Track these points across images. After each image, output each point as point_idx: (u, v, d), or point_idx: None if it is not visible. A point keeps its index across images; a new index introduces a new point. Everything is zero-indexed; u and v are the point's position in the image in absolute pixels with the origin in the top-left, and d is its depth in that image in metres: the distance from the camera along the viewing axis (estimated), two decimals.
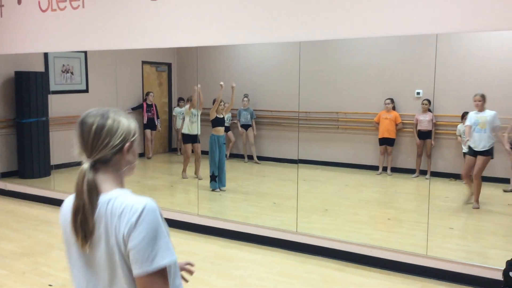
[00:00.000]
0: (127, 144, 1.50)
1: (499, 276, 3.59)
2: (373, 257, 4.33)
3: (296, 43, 4.92)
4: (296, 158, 7.89)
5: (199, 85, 6.86)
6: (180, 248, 4.76)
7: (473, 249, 4.74)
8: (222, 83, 6.79)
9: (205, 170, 6.89)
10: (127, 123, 1.53)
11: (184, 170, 7.42)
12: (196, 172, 7.23)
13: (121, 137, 1.48)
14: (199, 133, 7.35)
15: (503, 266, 3.53)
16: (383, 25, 4.15)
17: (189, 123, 7.34)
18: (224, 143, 6.86)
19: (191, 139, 7.35)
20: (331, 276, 4.12)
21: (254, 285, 3.91)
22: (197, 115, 7.26)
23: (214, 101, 6.90)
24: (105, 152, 1.47)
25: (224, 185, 6.66)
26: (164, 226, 1.40)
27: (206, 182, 6.71)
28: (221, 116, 6.89)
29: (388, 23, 4.13)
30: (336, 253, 4.49)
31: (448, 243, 4.68)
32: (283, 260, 4.47)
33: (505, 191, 6.45)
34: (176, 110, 9.33)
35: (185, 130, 7.42)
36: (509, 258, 3.54)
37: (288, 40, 4.72)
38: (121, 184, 1.52)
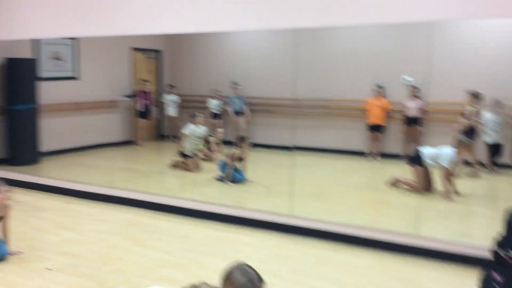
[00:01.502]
0: None
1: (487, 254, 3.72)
2: (365, 238, 4.45)
3: (290, 30, 4.97)
4: (287, 145, 7.98)
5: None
6: (177, 231, 4.84)
7: (463, 230, 4.88)
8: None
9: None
10: None
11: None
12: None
13: None
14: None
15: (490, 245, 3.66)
16: (378, 12, 4.23)
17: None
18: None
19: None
20: (324, 256, 4.23)
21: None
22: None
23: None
24: None
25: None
26: None
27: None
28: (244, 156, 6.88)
29: (383, 10, 4.20)
30: (329, 234, 4.59)
31: (438, 224, 4.81)
32: (277, 242, 4.57)
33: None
34: (167, 97, 9.34)
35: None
36: (498, 236, 3.67)
37: (283, 27, 4.77)
38: None
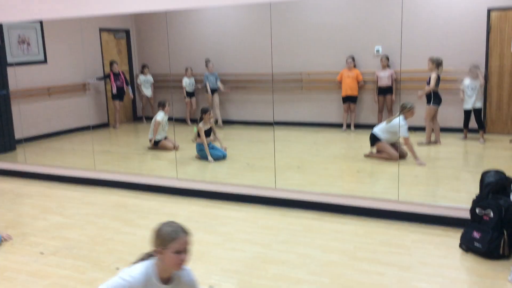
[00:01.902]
0: None
1: (465, 215, 3.94)
2: (348, 206, 4.61)
3: (261, 4, 4.99)
4: (264, 120, 8.06)
5: None
6: (163, 210, 4.90)
7: (441, 193, 5.12)
8: None
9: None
10: None
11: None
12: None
13: None
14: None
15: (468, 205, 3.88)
16: None
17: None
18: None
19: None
20: (310, 225, 4.37)
21: (241, 239, 4.11)
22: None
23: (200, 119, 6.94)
24: None
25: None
26: None
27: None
28: (208, 128, 6.93)
29: None
30: (313, 205, 4.74)
31: (415, 189, 5.02)
32: (264, 215, 4.69)
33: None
34: (141, 78, 9.25)
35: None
36: (475, 197, 3.88)
37: (255, 1, 4.79)
38: None
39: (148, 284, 2.25)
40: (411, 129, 7.02)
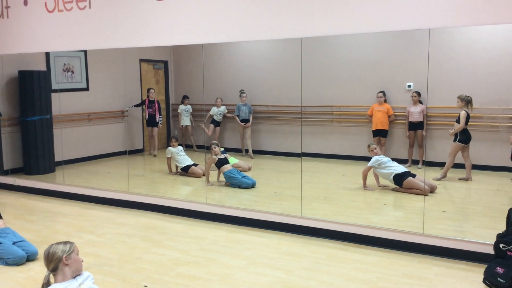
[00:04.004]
0: None
1: (490, 250, 3.92)
2: (373, 237, 4.65)
3: (295, 39, 5.19)
4: (293, 151, 8.19)
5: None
6: (191, 233, 5.05)
7: (467, 229, 5.09)
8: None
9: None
10: None
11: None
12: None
13: None
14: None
15: (493, 241, 3.87)
16: (379, 20, 4.47)
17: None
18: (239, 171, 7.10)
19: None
20: (334, 254, 4.43)
21: (264, 263, 4.20)
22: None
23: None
24: None
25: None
26: None
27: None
28: (223, 157, 7.16)
29: (384, 18, 4.44)
30: (338, 234, 4.80)
31: (442, 224, 5.00)
32: (288, 242, 4.77)
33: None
34: (181, 107, 9.63)
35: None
36: (500, 232, 3.88)
37: (289, 36, 5.00)
38: None
39: None
40: (441, 164, 7.04)
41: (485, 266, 3.83)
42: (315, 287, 3.72)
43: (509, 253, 3.67)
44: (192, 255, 4.40)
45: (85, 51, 8.72)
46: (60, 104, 7.80)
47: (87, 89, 8.88)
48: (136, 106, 9.27)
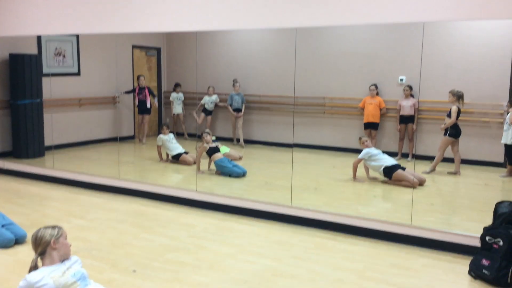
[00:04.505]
0: None
1: (477, 243, 3.98)
2: (362, 227, 4.69)
3: (289, 29, 5.19)
4: (285, 142, 8.20)
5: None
6: (181, 220, 5.06)
7: (453, 221, 5.15)
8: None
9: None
10: None
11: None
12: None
13: None
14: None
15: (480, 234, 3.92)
16: (374, 12, 4.48)
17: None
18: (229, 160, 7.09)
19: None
20: (323, 244, 4.46)
21: (253, 251, 4.23)
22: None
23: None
24: None
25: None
26: None
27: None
28: (214, 146, 7.14)
29: (379, 11, 4.45)
30: (327, 224, 4.84)
31: (429, 216, 5.06)
32: (278, 231, 4.80)
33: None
34: (173, 95, 9.59)
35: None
36: (487, 225, 3.93)
37: (284, 26, 5.00)
38: None
39: None
40: (430, 158, 7.10)
41: (471, 258, 3.89)
42: (303, 275, 3.75)
43: (494, 246, 3.72)
44: (182, 242, 4.42)
45: (77, 36, 8.64)
46: (51, 88, 7.73)
47: (78, 74, 8.80)
48: (127, 92, 9.22)
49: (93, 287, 2.81)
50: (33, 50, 7.96)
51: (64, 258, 2.89)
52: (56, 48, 8.47)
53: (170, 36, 9.99)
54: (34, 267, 2.82)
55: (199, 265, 3.89)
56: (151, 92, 9.30)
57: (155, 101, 9.48)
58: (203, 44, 9.31)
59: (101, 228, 4.74)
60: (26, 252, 4.06)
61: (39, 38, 8.02)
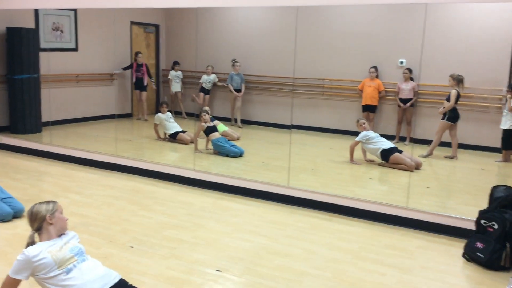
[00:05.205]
0: None
1: (471, 226, 4.01)
2: (357, 209, 4.72)
3: (290, 8, 5.13)
4: (283, 123, 8.19)
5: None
6: (179, 198, 5.08)
7: (449, 205, 5.19)
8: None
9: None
10: None
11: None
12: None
13: None
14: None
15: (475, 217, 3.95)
16: None
17: None
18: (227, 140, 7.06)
19: None
20: (319, 224, 4.50)
21: (249, 230, 4.26)
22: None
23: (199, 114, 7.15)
24: None
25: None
26: None
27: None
28: (212, 124, 7.11)
29: None
30: (324, 205, 4.86)
31: (425, 199, 5.09)
32: (274, 211, 4.83)
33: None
34: (172, 73, 9.54)
35: None
36: (482, 209, 3.96)
37: (286, 4, 4.95)
38: None
39: None
40: (428, 142, 7.11)
41: (465, 241, 3.93)
42: (298, 254, 3.78)
43: (489, 229, 3.75)
44: (180, 220, 4.44)
45: (75, 10, 8.54)
46: (48, 63, 7.67)
47: (76, 49, 8.73)
48: (125, 69, 9.17)
49: (90, 262, 2.82)
50: (31, 24, 7.87)
51: (61, 232, 2.90)
52: (53, 23, 8.38)
53: (169, 13, 9.88)
54: (31, 243, 2.83)
55: (196, 243, 3.92)
56: (149, 73, 9.24)
57: (153, 84, 9.43)
58: (203, 22, 9.24)
59: (98, 204, 4.76)
60: (24, 227, 4.07)
61: (36, 12, 7.92)
